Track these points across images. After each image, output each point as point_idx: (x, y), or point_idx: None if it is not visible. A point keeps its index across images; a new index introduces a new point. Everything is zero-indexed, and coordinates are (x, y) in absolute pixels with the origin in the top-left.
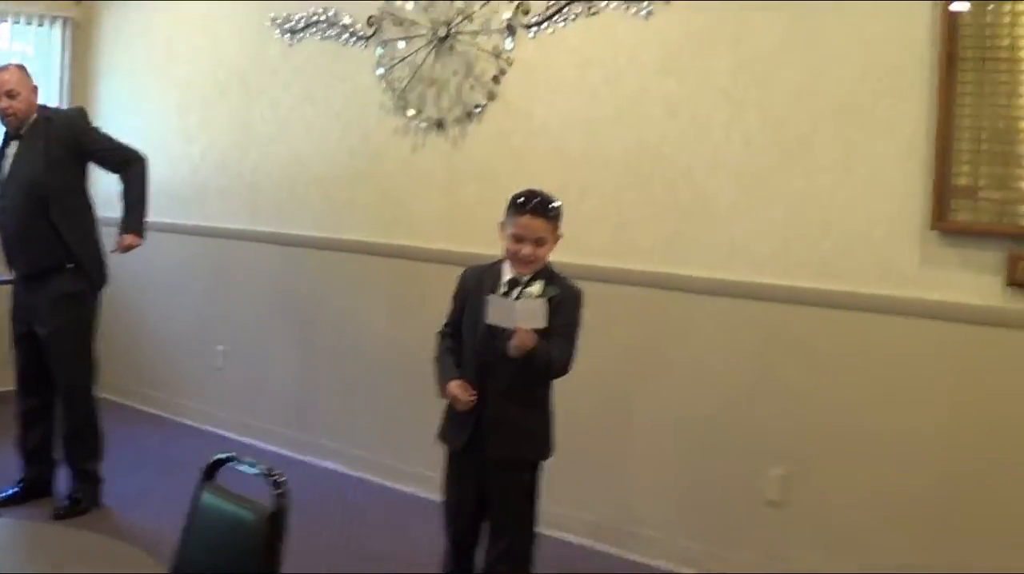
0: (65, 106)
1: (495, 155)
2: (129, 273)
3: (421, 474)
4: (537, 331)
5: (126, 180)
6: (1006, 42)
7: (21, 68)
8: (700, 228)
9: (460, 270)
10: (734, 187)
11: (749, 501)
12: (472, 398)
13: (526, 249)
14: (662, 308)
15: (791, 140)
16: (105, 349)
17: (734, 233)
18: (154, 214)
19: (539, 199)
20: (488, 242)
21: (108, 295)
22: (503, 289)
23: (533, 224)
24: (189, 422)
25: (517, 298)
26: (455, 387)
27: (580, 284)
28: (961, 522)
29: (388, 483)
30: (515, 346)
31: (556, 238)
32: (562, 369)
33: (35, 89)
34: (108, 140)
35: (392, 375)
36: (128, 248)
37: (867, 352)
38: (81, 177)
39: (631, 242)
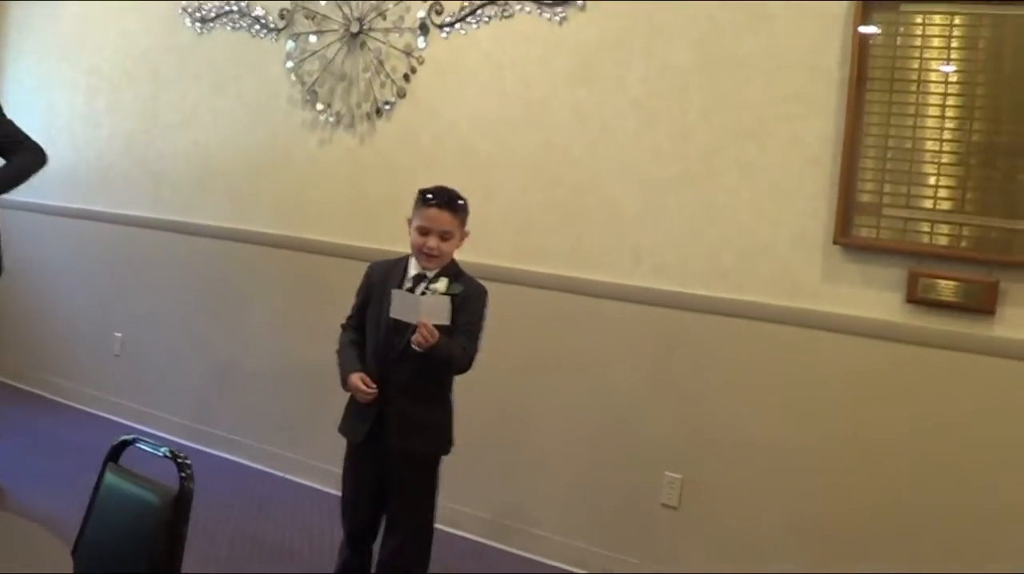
0: None
1: (403, 153)
2: (30, 257)
3: (320, 467)
4: (440, 327)
5: (8, 160)
6: (915, 64)
7: None
8: (605, 234)
9: (364, 265)
10: (640, 196)
11: (644, 504)
12: (373, 391)
13: (432, 242)
14: (565, 311)
15: (699, 152)
16: (1, 332)
17: (639, 240)
18: (57, 198)
19: (446, 193)
20: (393, 238)
21: (6, 278)
22: (408, 284)
23: (440, 217)
24: (86, 408)
25: (423, 294)
26: (356, 379)
27: (485, 284)
28: (854, 533)
29: (288, 475)
30: (418, 341)
31: (462, 234)
32: (464, 365)
33: None
34: (13, 128)
35: (294, 368)
36: None
37: (768, 362)
38: None
39: (536, 245)
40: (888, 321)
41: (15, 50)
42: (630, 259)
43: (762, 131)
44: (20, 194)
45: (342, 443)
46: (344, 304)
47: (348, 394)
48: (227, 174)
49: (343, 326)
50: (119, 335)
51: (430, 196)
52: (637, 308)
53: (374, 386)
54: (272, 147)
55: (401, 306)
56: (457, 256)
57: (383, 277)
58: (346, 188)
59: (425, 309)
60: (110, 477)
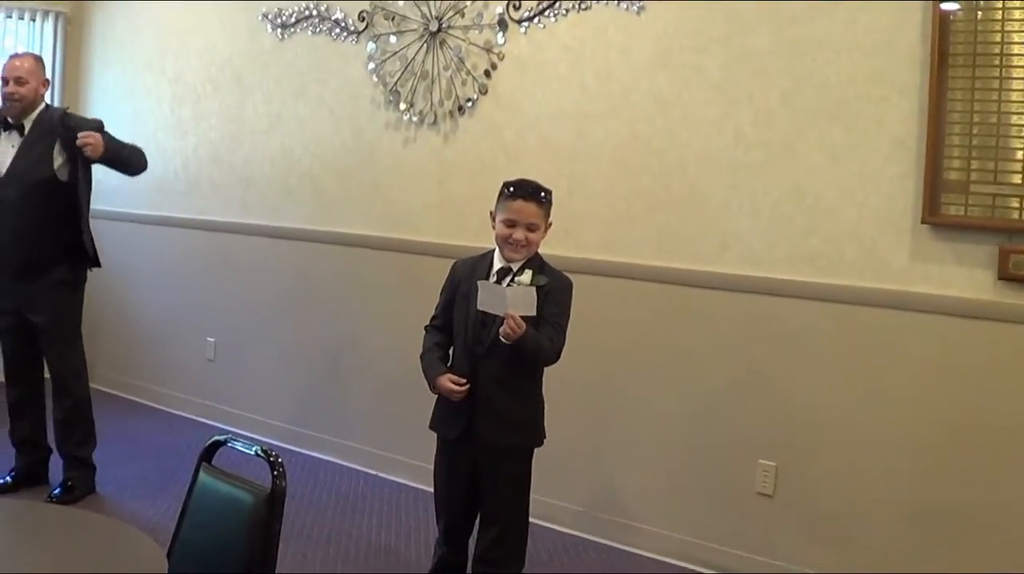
0: (57, 102)
1: (486, 149)
2: (123, 267)
3: (414, 465)
4: (527, 319)
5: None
6: (997, 38)
7: (38, 59)
8: (691, 222)
9: (450, 262)
10: (725, 182)
11: (739, 493)
12: (464, 388)
13: (518, 233)
14: (653, 301)
15: (782, 136)
16: (97, 340)
17: (725, 227)
18: (147, 207)
19: (531, 185)
20: (478, 235)
21: (101, 287)
22: (494, 278)
23: (525, 209)
24: (180, 413)
25: (509, 286)
26: (445, 380)
27: (571, 276)
28: (950, 517)
29: (381, 474)
30: (505, 332)
31: (547, 226)
32: (552, 357)
33: (46, 83)
34: (119, 142)
35: (384, 367)
36: (85, 144)
37: (858, 345)
38: (87, 174)
39: (622, 236)
40: (980, 299)
41: (100, 60)
42: (717, 246)
43: (844, 112)
44: (110, 203)
45: (434, 439)
46: (432, 302)
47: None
48: (313, 177)
49: (427, 328)
50: (212, 340)
51: (515, 188)
52: (725, 295)
53: (464, 383)
54: (357, 149)
55: (488, 298)
56: (541, 250)
57: (468, 273)
58: (432, 186)
59: (512, 300)
60: (204, 477)
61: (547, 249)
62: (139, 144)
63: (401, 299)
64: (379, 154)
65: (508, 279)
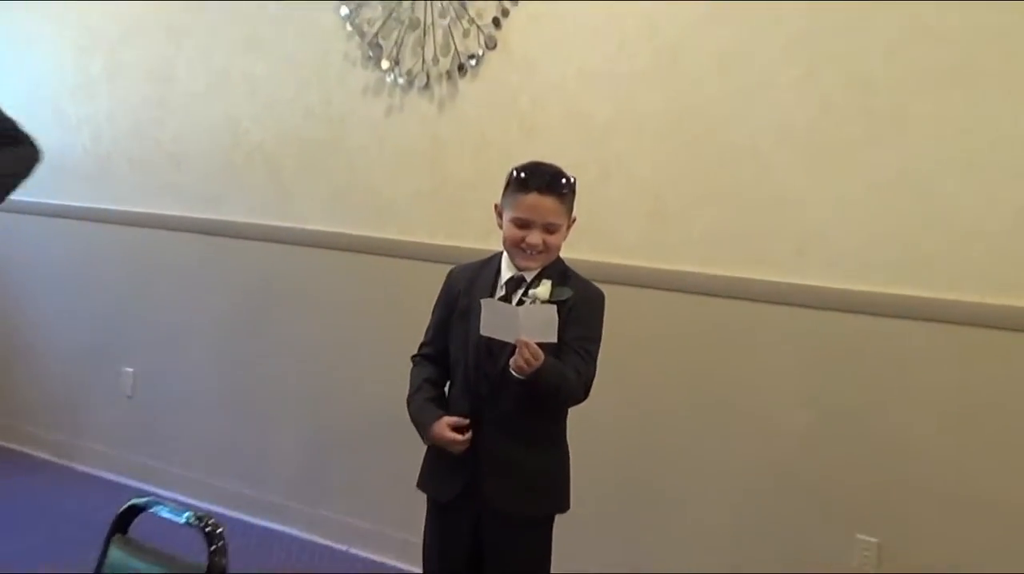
0: None
1: (494, 121)
2: (7, 273)
3: (398, 538)
4: (546, 346)
5: None
6: None
7: None
8: (760, 217)
9: (445, 270)
10: (806, 166)
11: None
12: (466, 439)
13: (533, 237)
14: (708, 320)
15: (884, 105)
16: None
17: (805, 224)
18: (42, 194)
19: (548, 173)
20: (484, 234)
21: None
22: (501, 292)
23: (541, 204)
24: (86, 469)
25: (520, 303)
26: (442, 429)
27: (602, 287)
28: None
29: (356, 550)
30: (519, 365)
31: (570, 223)
32: (579, 394)
33: None
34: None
35: (361, 408)
36: None
37: (987, 385)
38: None
39: (670, 235)
40: None
41: None
42: (794, 249)
43: (971, 72)
44: None
45: (421, 503)
46: (422, 322)
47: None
48: (267, 156)
49: (416, 358)
50: (130, 370)
51: (527, 177)
52: (805, 314)
53: (466, 431)
54: (326, 119)
55: (494, 320)
56: (563, 253)
57: (468, 285)
58: (423, 169)
59: (525, 322)
60: (116, 553)
61: (571, 251)
62: (32, 109)
63: (382, 318)
64: (354, 127)
65: (520, 293)
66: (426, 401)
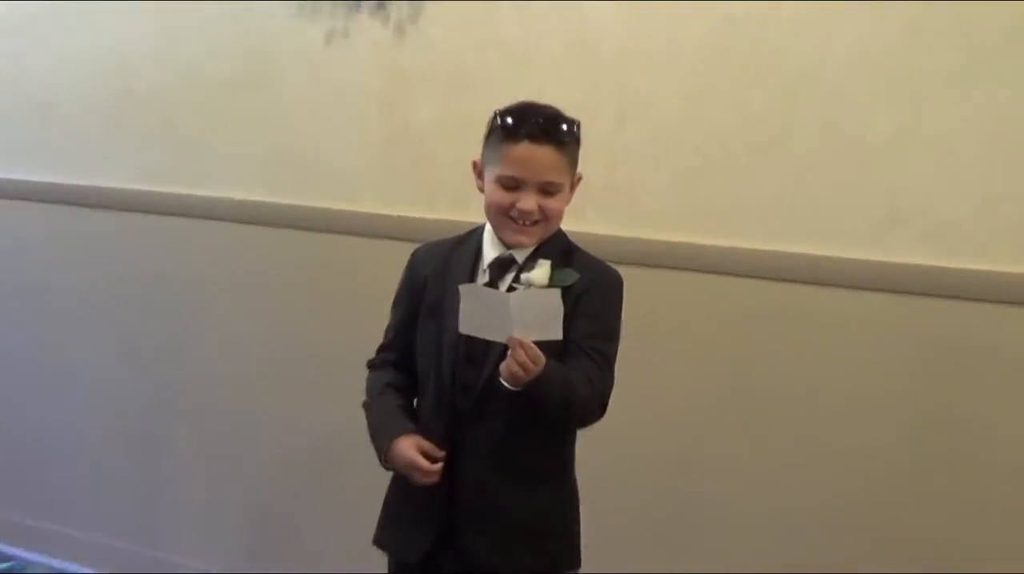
0: None
1: (471, 50)
2: None
3: None
4: (546, 346)
5: None
6: None
7: None
8: (834, 174)
9: (408, 250)
10: (895, 104)
11: None
12: (438, 468)
13: (525, 201)
14: (765, 310)
15: (999, 26)
16: None
17: (896, 183)
18: None
19: (544, 115)
20: (459, 201)
21: None
22: (484, 277)
23: (535, 157)
24: None
25: (511, 289)
26: (408, 449)
27: (620, 269)
28: None
29: None
30: (510, 371)
31: (574, 183)
32: (592, 411)
33: None
34: None
35: (287, 433)
36: None
37: None
38: None
39: (710, 199)
40: None
41: None
42: (882, 216)
43: None
44: None
45: (380, 562)
46: (376, 319)
47: (391, 477)
48: (165, 101)
49: (372, 363)
50: None
51: (515, 122)
52: (896, 301)
53: (440, 456)
54: (244, 51)
55: (476, 313)
56: (566, 224)
57: (439, 270)
58: (375, 116)
59: (519, 314)
60: None
61: (575, 222)
62: None
63: (322, 317)
64: (280, 61)
65: (510, 279)
66: (390, 408)
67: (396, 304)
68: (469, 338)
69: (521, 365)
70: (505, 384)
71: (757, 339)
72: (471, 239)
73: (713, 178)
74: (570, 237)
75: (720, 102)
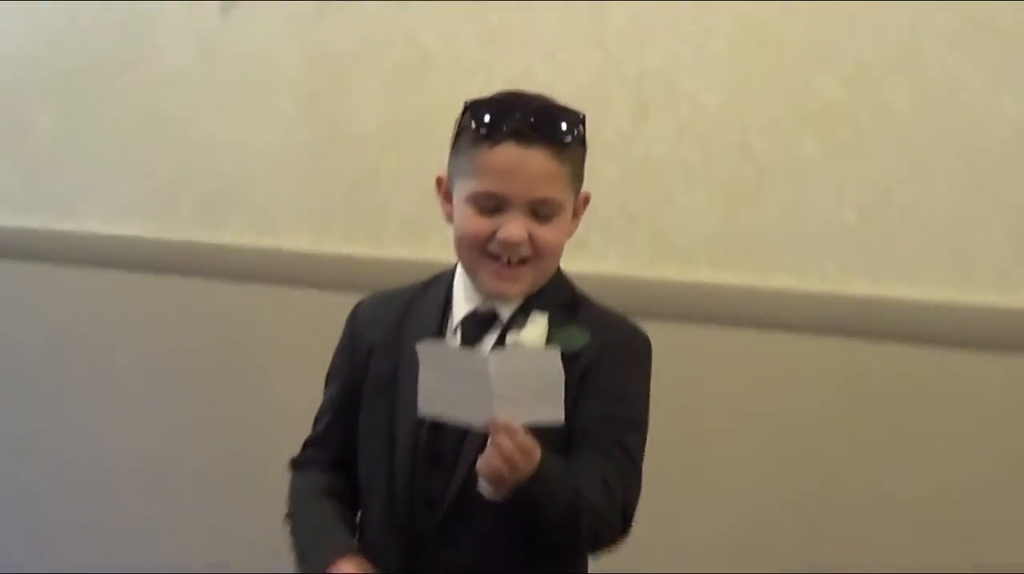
0: None
1: (429, 24)
2: None
3: None
4: (542, 432)
5: None
6: None
7: None
8: (952, 186)
9: (346, 302)
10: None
11: None
12: None
13: (511, 227)
14: (853, 381)
15: None
16: None
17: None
18: None
19: (535, 107)
20: (415, 236)
21: None
22: (456, 338)
23: (524, 164)
24: None
25: (494, 350)
26: (348, 569)
27: (646, 327)
28: None
29: None
30: (490, 467)
31: (579, 204)
32: (612, 527)
33: None
34: None
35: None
36: None
37: None
38: None
39: (764, 225)
40: None
41: None
42: (1009, 253)
43: None
44: None
45: None
46: (301, 398)
47: None
48: (8, 106)
49: (296, 463)
50: None
51: (494, 116)
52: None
53: None
54: (110, 30)
55: (443, 384)
56: (571, 262)
57: (391, 330)
58: (293, 116)
59: (502, 384)
60: None
61: (577, 258)
62: None
63: (222, 391)
64: (161, 39)
65: (492, 341)
66: (326, 520)
67: (330, 380)
68: (434, 426)
69: (506, 459)
70: (484, 490)
71: (839, 414)
72: (436, 288)
73: (768, 195)
74: (575, 282)
75: (778, 90)
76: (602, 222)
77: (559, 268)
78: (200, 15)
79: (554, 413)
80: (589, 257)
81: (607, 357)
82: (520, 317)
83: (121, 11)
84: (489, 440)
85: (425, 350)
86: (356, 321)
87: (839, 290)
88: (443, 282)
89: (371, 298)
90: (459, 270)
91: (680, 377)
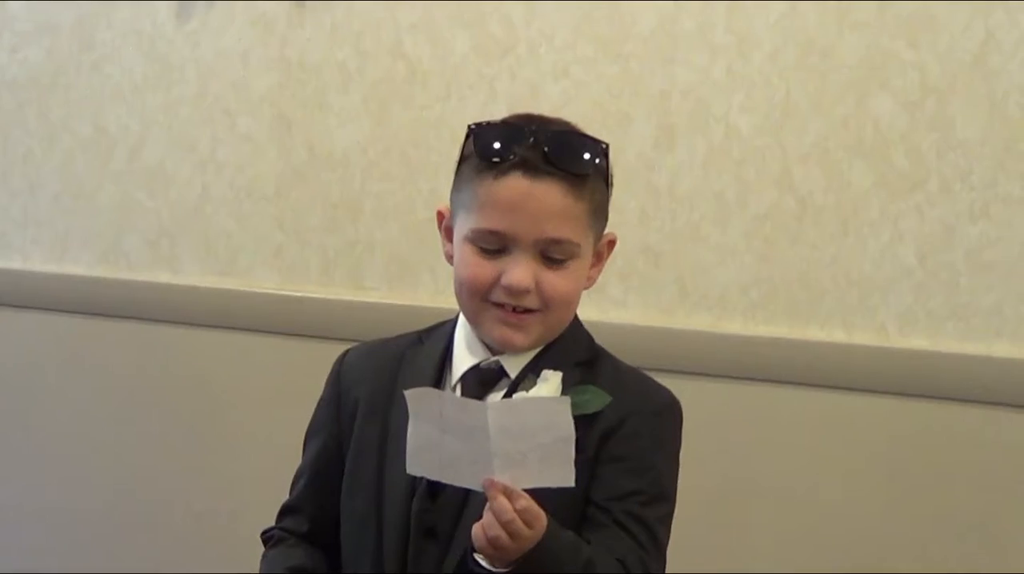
0: None
1: (418, 33)
2: None
3: None
4: (549, 500)
5: None
6: None
7: None
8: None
9: (324, 351)
10: None
11: None
12: None
13: (516, 272)
14: (912, 437)
15: None
16: None
17: None
18: None
19: (549, 132)
20: (405, 278)
21: None
22: (455, 388)
23: (533, 197)
24: None
25: (493, 401)
26: None
27: (675, 388)
28: None
29: None
30: (487, 536)
31: (602, 246)
32: None
33: None
34: None
35: None
36: None
37: None
38: None
39: (810, 269)
40: None
41: None
42: None
43: None
44: None
45: None
46: (274, 462)
47: None
48: None
49: (269, 537)
50: None
51: (502, 142)
52: None
53: None
54: (40, 36)
55: (435, 439)
56: (590, 311)
57: (381, 386)
58: (263, 136)
59: (503, 439)
60: None
61: (592, 306)
62: None
63: (180, 455)
64: (107, 47)
65: (499, 397)
66: None
67: (310, 438)
68: (429, 495)
69: (505, 526)
70: (481, 562)
71: (891, 486)
72: (434, 339)
73: (813, 234)
74: (593, 334)
75: (825, 112)
76: (621, 263)
77: (576, 318)
78: (151, 19)
79: (563, 475)
80: (606, 303)
81: (630, 423)
82: (530, 375)
83: (59, 14)
84: (487, 505)
85: (415, 398)
86: (342, 373)
87: (895, 344)
88: (442, 333)
89: (359, 348)
90: (461, 320)
91: (708, 438)
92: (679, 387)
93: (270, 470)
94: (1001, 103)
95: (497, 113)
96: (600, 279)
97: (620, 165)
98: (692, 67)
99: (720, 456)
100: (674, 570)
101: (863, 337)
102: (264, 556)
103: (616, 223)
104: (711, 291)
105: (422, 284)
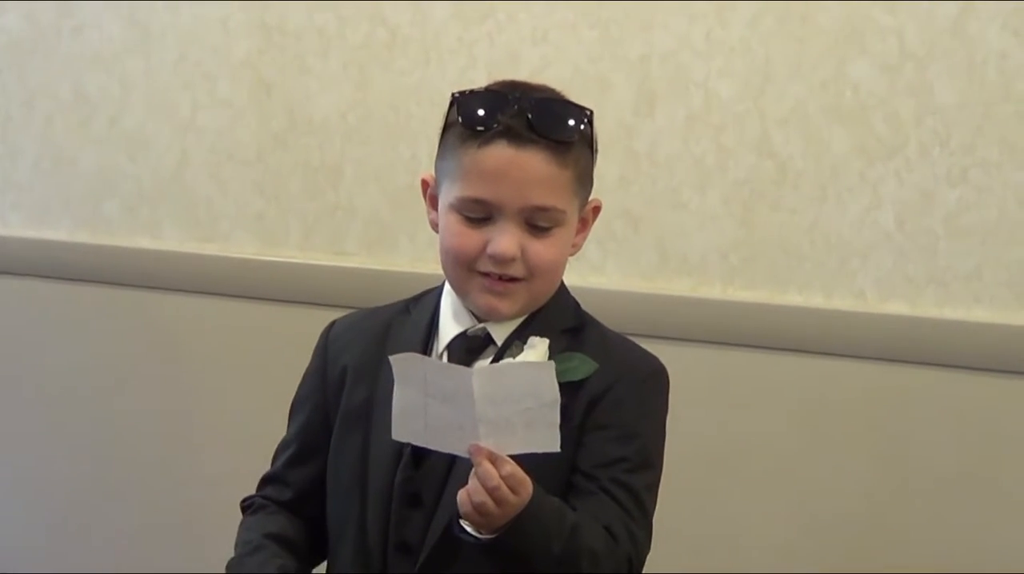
0: None
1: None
2: None
3: None
4: (535, 466)
5: None
6: None
7: None
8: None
9: (308, 319)
10: None
11: None
12: None
13: (501, 240)
14: (891, 402)
15: None
16: None
17: None
18: None
19: (533, 99)
20: (385, 244)
21: None
22: (441, 354)
23: (518, 166)
24: None
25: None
26: None
27: (662, 352)
28: None
29: None
30: (472, 502)
31: (587, 212)
32: (617, 568)
33: None
34: None
35: None
36: None
37: None
38: None
39: (790, 234)
40: None
41: None
42: None
43: None
44: None
45: None
46: (263, 430)
47: None
48: None
49: (249, 504)
50: None
51: (485, 110)
52: None
53: None
54: (29, 13)
55: (420, 405)
56: (577, 277)
57: (367, 355)
58: (243, 101)
59: (488, 405)
60: None
61: (574, 271)
62: None
63: (169, 419)
64: (85, 13)
65: (486, 364)
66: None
67: (296, 409)
68: (413, 462)
69: (491, 492)
70: (467, 528)
71: (874, 449)
72: (420, 307)
73: (792, 198)
74: (579, 299)
75: (804, 77)
76: (600, 228)
77: (562, 285)
78: None
79: (548, 440)
80: (585, 269)
81: (616, 390)
82: (517, 342)
83: None
84: (472, 471)
85: (400, 363)
86: (328, 343)
87: (874, 309)
88: (429, 301)
89: (346, 318)
90: (446, 288)
91: (689, 403)
92: (658, 352)
93: (251, 436)
94: (979, 68)
95: (477, 78)
96: (589, 256)
97: (599, 130)
98: (671, 32)
99: (699, 421)
100: (656, 535)
101: (842, 302)
102: (242, 522)
103: (596, 188)
104: (690, 256)
105: (401, 249)
